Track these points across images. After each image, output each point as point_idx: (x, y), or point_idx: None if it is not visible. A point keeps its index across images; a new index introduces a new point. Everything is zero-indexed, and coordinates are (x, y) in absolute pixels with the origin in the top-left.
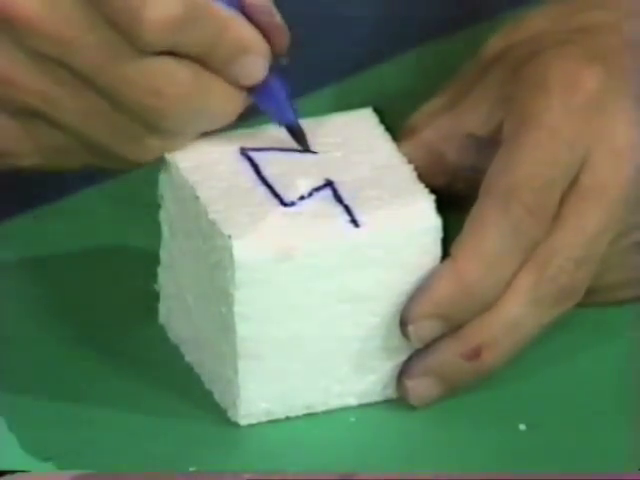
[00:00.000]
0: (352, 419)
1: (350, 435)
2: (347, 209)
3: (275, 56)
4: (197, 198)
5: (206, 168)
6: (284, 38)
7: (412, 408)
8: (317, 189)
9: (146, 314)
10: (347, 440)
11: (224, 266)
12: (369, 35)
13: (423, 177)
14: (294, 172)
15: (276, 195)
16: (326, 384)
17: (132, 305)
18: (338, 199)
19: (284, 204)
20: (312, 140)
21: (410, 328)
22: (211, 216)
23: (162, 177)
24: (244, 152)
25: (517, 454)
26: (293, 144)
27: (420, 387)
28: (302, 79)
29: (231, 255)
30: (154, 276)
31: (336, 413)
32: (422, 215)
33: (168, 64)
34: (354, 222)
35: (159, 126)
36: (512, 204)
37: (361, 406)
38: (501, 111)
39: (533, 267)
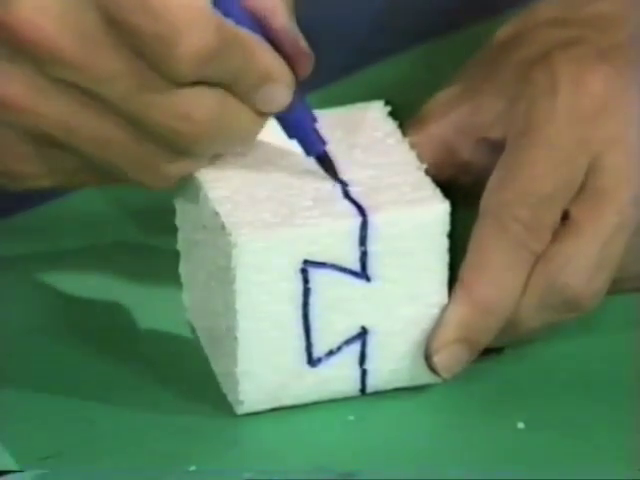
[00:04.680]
0: (351, 417)
1: (348, 434)
2: (357, 207)
3: (299, 82)
4: (200, 186)
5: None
6: (309, 64)
7: (411, 407)
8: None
9: (146, 312)
10: (345, 439)
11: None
12: (372, 31)
13: (431, 169)
14: (302, 167)
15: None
16: (327, 372)
17: (132, 303)
18: (348, 197)
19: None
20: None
21: (435, 359)
22: (213, 204)
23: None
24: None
25: (516, 452)
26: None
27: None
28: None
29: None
30: (153, 273)
31: (334, 411)
32: (431, 212)
33: (197, 90)
34: (364, 221)
35: (186, 150)
36: (508, 222)
37: (360, 405)
38: (512, 114)
39: (545, 272)
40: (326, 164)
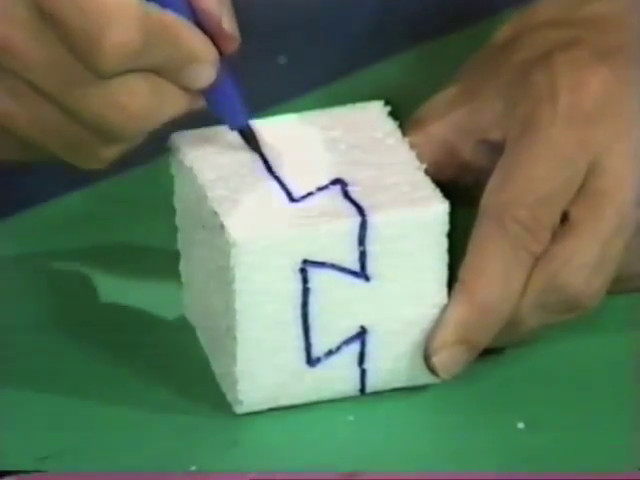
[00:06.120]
0: (350, 418)
1: (348, 434)
2: (357, 207)
3: (226, 58)
4: (200, 186)
5: (211, 156)
6: (232, 45)
7: (411, 407)
8: (325, 187)
9: (146, 312)
10: (345, 439)
11: (224, 250)
12: (372, 32)
13: (431, 169)
14: (302, 167)
15: (284, 189)
16: (326, 372)
17: (132, 303)
18: (347, 197)
19: (292, 199)
20: (320, 133)
21: (434, 360)
22: (212, 204)
23: (172, 160)
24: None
25: (515, 453)
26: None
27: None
28: (302, 78)
29: (229, 240)
30: (153, 273)
31: (334, 412)
32: (430, 213)
33: (128, 80)
34: (363, 221)
35: (120, 138)
36: (507, 222)
37: (359, 405)
38: (512, 115)
39: (544, 272)
40: (248, 138)
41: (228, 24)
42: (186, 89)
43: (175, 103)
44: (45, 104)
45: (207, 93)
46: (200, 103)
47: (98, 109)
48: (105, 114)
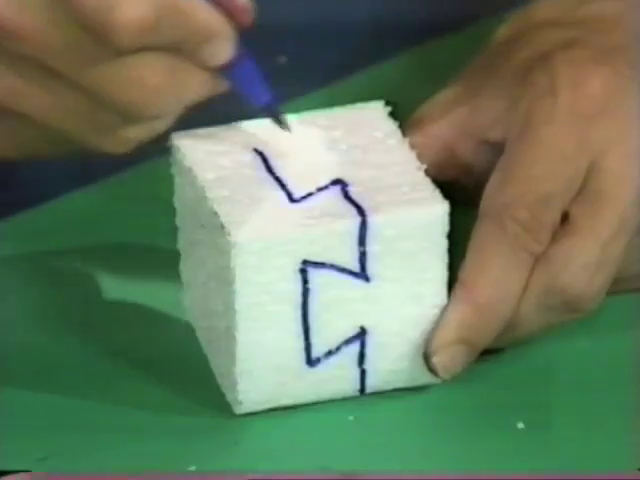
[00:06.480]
0: (350, 418)
1: (348, 434)
2: (357, 207)
3: (241, 33)
4: (200, 186)
5: (211, 156)
6: (247, 17)
7: (410, 407)
8: (325, 187)
9: (146, 312)
10: (345, 439)
11: (225, 250)
12: (372, 32)
13: (432, 170)
14: (302, 167)
15: (285, 190)
16: (326, 372)
17: (132, 303)
18: (347, 197)
19: (292, 200)
20: (320, 133)
21: (434, 360)
22: (212, 204)
23: (172, 160)
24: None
25: (515, 453)
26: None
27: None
28: (302, 78)
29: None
30: (153, 273)
31: (334, 411)
32: (430, 214)
33: (145, 57)
34: (363, 221)
35: (140, 116)
36: (507, 222)
37: (359, 405)
38: (512, 115)
39: (544, 273)
40: (274, 113)
41: None
42: (205, 67)
43: (195, 82)
44: (63, 87)
45: (228, 72)
46: (223, 86)
47: (116, 86)
48: (123, 91)
